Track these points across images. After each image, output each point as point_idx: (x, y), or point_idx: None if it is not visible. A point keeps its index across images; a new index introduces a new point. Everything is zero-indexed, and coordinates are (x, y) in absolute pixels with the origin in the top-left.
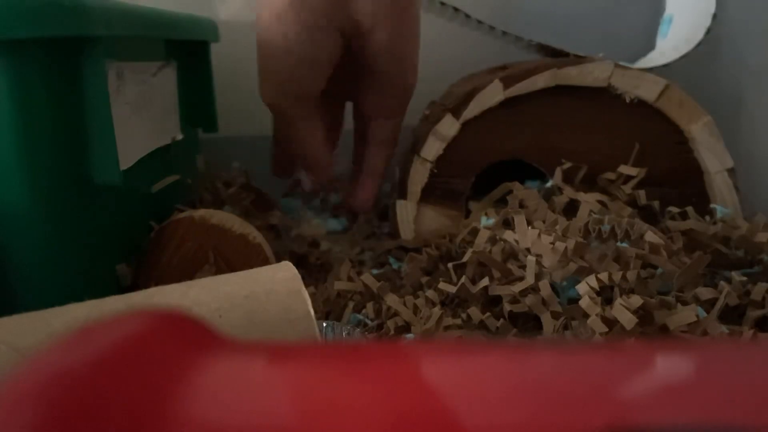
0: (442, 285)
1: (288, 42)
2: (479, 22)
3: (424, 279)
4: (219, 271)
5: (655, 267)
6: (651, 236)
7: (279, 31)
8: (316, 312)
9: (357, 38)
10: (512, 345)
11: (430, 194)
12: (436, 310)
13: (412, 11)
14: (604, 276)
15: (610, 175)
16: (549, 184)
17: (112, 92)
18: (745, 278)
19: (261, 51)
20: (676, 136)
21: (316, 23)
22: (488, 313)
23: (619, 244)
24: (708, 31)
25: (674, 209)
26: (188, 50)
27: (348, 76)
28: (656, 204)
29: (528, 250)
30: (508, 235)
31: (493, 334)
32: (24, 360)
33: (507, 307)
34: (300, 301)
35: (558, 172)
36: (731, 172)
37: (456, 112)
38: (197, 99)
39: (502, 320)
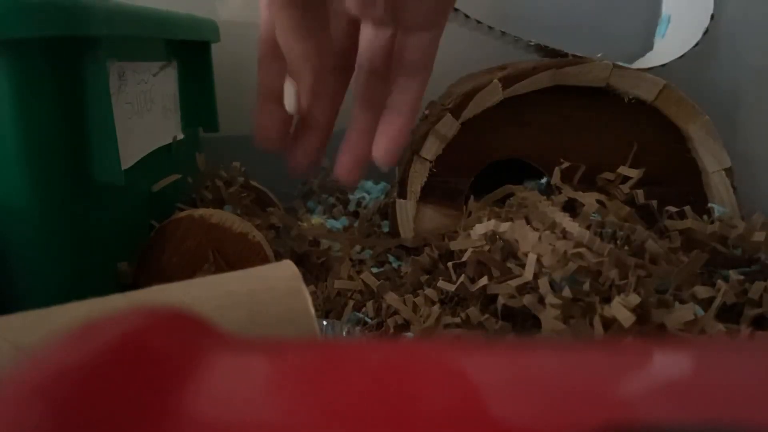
0: (441, 284)
1: None
2: (478, 22)
3: (424, 278)
4: (219, 270)
5: (653, 263)
6: (652, 245)
7: None
8: (316, 310)
9: None
10: (510, 343)
11: (429, 194)
12: (436, 309)
13: None
14: (603, 275)
15: (609, 175)
16: (543, 180)
17: (113, 92)
18: (742, 277)
19: None
20: (674, 135)
21: None
22: (487, 314)
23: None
24: (706, 32)
25: (672, 208)
26: (189, 50)
27: None
28: (654, 203)
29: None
30: (507, 234)
31: (492, 333)
32: (26, 358)
33: (501, 300)
34: (300, 299)
35: (556, 172)
36: (729, 171)
37: (455, 112)
38: (198, 99)
39: (501, 322)
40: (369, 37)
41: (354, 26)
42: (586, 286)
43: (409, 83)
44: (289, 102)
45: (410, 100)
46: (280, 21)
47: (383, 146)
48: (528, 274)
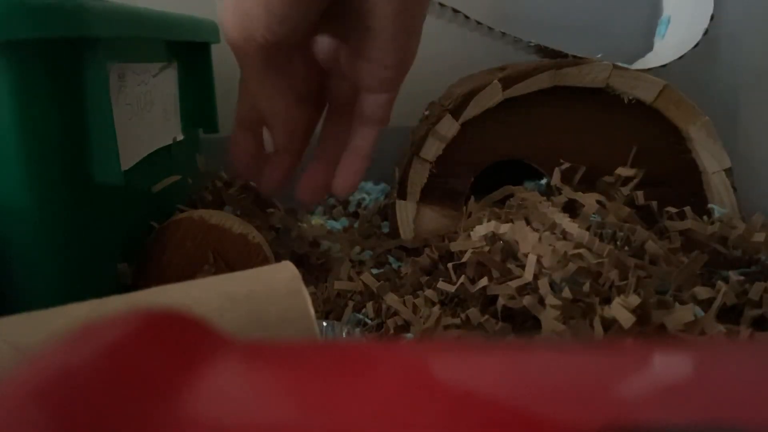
0: (441, 284)
1: None
2: (478, 23)
3: (424, 279)
4: (219, 271)
5: (653, 264)
6: (652, 246)
7: None
8: (316, 311)
9: None
10: (510, 344)
11: (429, 194)
12: (436, 310)
13: None
14: (602, 276)
15: (609, 179)
16: (543, 181)
17: (113, 93)
18: (742, 278)
19: None
20: (674, 136)
21: None
22: (487, 315)
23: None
24: (706, 32)
25: (672, 209)
26: (189, 51)
27: (337, 34)
28: (654, 204)
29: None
30: (507, 235)
31: (492, 334)
32: (25, 359)
33: (501, 300)
34: (300, 300)
35: (556, 172)
36: (729, 172)
37: (455, 113)
38: (198, 100)
39: (501, 323)
40: (334, 85)
41: (324, 73)
42: (586, 287)
43: (367, 131)
44: (267, 141)
45: (367, 145)
46: (252, 84)
47: (343, 181)
48: (528, 275)
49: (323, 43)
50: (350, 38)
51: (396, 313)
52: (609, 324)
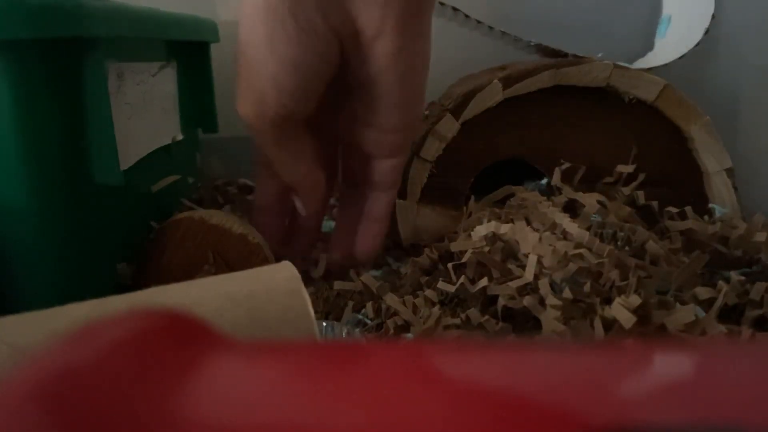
0: (441, 285)
1: (273, 43)
2: (478, 22)
3: (424, 279)
4: (219, 271)
5: (654, 264)
6: (653, 246)
7: (263, 30)
8: (315, 312)
9: (357, 50)
10: (510, 345)
11: (429, 194)
12: (436, 310)
13: (424, 21)
14: (603, 276)
15: (609, 179)
16: (544, 181)
17: (112, 93)
18: (743, 278)
19: (241, 53)
20: (675, 136)
21: (309, 22)
22: (487, 316)
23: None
24: (707, 32)
25: (673, 209)
26: (188, 51)
27: (343, 104)
28: (655, 204)
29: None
30: (508, 235)
31: (492, 335)
32: (25, 359)
33: (501, 300)
34: (300, 300)
35: (557, 172)
36: (729, 172)
37: (455, 113)
38: (197, 99)
39: (501, 323)
40: (345, 155)
41: (334, 146)
42: (587, 287)
43: (381, 196)
44: (299, 207)
45: (383, 209)
46: (271, 155)
47: (363, 247)
48: (528, 275)
49: (330, 117)
50: (356, 108)
51: (396, 313)
52: (609, 324)
